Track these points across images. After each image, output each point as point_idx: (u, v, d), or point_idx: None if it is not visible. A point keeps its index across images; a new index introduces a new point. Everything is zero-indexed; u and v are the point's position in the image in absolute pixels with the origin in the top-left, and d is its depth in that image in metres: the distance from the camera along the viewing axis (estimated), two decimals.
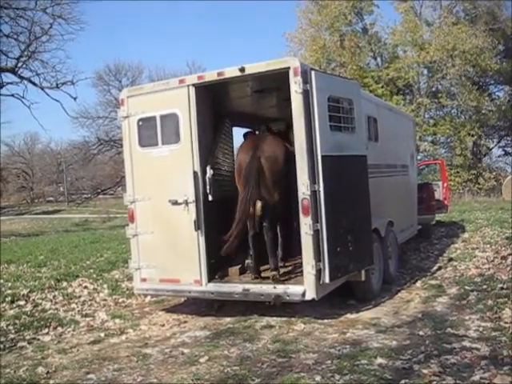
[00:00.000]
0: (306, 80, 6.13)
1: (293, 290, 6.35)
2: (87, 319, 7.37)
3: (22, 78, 26.74)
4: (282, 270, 7.29)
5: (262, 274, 7.12)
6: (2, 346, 6.26)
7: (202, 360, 5.42)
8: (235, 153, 8.02)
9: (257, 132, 9.50)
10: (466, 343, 5.34)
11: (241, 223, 6.59)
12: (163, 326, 6.89)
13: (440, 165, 16.04)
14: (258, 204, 6.85)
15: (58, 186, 67.33)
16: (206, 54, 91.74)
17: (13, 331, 6.86)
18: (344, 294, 7.21)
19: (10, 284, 9.79)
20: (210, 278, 6.89)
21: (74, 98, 27.80)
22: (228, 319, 6.86)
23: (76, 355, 5.89)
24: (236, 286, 6.71)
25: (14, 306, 8.26)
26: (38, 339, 6.61)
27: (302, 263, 6.38)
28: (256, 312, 6.95)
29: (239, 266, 7.39)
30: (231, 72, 6.55)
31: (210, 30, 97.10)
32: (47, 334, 6.82)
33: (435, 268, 9.47)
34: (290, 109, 6.43)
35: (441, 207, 13.77)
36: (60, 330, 6.96)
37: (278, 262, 7.29)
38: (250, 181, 6.64)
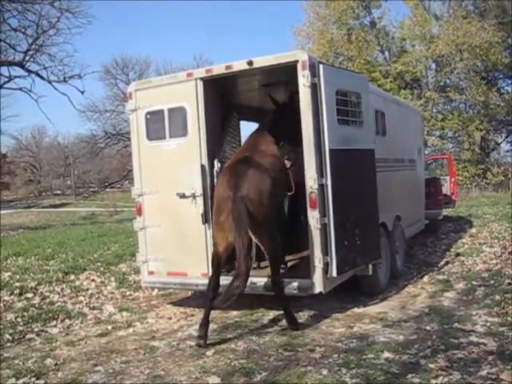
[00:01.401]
0: (314, 73, 6.10)
1: (300, 283, 6.34)
2: (95, 312, 7.41)
3: (29, 71, 26.79)
4: (290, 264, 7.32)
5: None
6: (10, 337, 6.30)
7: (208, 353, 5.44)
8: None
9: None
10: (473, 338, 5.33)
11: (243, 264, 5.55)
12: (170, 319, 6.92)
13: (448, 159, 15.99)
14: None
15: (65, 180, 67.59)
16: (212, 48, 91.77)
17: (21, 323, 6.90)
18: (351, 288, 7.20)
19: (18, 276, 9.84)
20: None
21: (82, 92, 27.85)
22: (235, 313, 6.88)
23: (84, 347, 5.92)
24: None
25: (23, 298, 8.31)
26: (46, 331, 6.65)
27: (309, 257, 6.38)
28: (263, 306, 6.97)
29: None
30: (239, 65, 6.54)
31: (218, 24, 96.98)
32: (55, 326, 6.86)
33: (442, 263, 9.47)
34: (298, 103, 6.41)
35: (448, 202, 13.74)
36: (68, 322, 7.00)
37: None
38: (241, 227, 5.55)
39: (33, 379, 4.97)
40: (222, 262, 6.03)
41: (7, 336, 6.34)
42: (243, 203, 5.65)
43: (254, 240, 5.93)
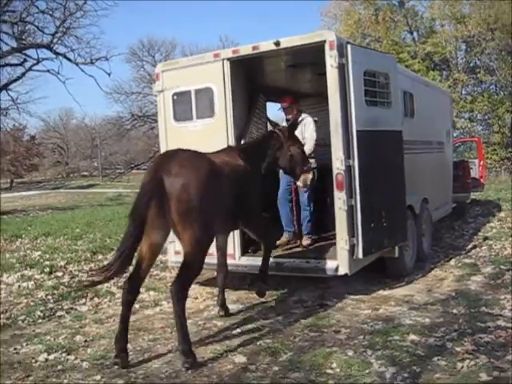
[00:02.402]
0: (341, 54, 6.05)
1: (326, 264, 6.35)
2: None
3: (57, 53, 27.01)
4: (315, 245, 7.34)
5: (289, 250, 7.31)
6: (42, 314, 6.46)
7: (234, 332, 5.50)
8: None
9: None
10: (501, 322, 5.28)
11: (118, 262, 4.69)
12: (196, 298, 6.99)
13: (476, 142, 15.74)
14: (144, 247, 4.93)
15: (92, 161, 68.34)
16: (238, 29, 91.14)
17: (51, 301, 7.06)
18: (376, 270, 7.18)
19: (47, 256, 10.07)
20: (244, 252, 6.95)
21: (108, 74, 27.94)
22: None
23: (112, 325, 6.02)
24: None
25: (52, 276, 8.50)
26: (76, 309, 6.79)
27: (334, 238, 6.38)
28: (288, 286, 7.01)
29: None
30: (266, 46, 6.50)
31: (244, 6, 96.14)
32: (84, 304, 6.99)
33: (470, 247, 9.36)
34: (324, 84, 6.36)
35: (476, 185, 13.55)
36: (96, 300, 7.13)
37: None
38: (140, 210, 4.67)
39: (64, 355, 5.09)
40: (143, 264, 4.96)
41: (38, 313, 6.50)
42: (160, 183, 4.66)
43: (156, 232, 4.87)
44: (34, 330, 5.96)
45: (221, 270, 6.23)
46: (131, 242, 4.68)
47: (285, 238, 7.63)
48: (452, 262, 8.24)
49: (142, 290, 7.30)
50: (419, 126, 8.59)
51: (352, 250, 6.13)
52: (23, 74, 27.19)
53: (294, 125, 6.23)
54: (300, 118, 6.88)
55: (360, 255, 6.14)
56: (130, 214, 4.77)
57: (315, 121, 7.68)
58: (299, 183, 6.23)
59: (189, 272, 4.86)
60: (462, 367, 4.31)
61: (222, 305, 6.17)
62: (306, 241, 7.48)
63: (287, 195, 7.65)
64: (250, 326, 5.68)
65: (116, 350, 4.85)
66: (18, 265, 9.24)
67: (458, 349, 4.68)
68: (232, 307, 6.41)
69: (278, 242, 7.36)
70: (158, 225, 4.81)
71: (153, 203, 4.67)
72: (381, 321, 5.61)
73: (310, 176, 6.14)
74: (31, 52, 26.81)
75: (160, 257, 9.28)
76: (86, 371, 4.58)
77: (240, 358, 4.78)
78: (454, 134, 15.94)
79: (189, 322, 5.74)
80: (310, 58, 7.19)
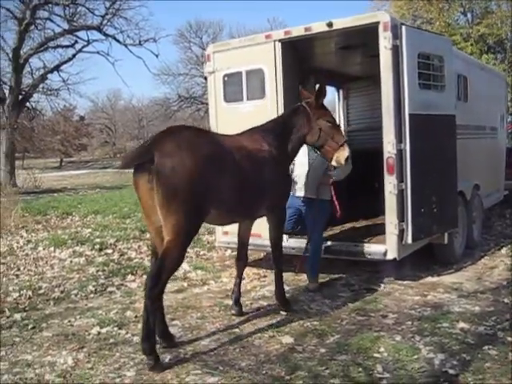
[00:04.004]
0: (395, 35, 5.93)
1: (374, 248, 6.31)
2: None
3: (106, 35, 27.52)
4: (363, 229, 7.30)
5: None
6: (93, 289, 6.67)
7: (281, 314, 5.54)
8: None
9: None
10: None
11: None
12: (244, 279, 7.04)
13: None
14: None
15: (139, 142, 69.04)
16: (286, 10, 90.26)
17: (102, 277, 7.27)
18: (425, 256, 7.09)
19: (97, 233, 10.35)
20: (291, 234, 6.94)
21: (156, 55, 28.57)
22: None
23: None
24: None
25: (103, 253, 8.74)
26: (126, 285, 6.96)
27: (383, 223, 6.32)
28: (335, 270, 7.00)
29: None
30: (318, 27, 6.43)
31: None
32: (134, 281, 7.16)
33: None
34: (375, 66, 6.27)
35: None
36: (145, 277, 7.27)
37: None
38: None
39: (115, 329, 5.25)
40: (159, 252, 4.53)
41: (90, 288, 6.71)
42: (150, 162, 4.25)
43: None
44: (86, 304, 6.16)
45: (240, 258, 5.66)
46: None
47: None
48: (503, 251, 8.06)
49: (189, 268, 7.51)
50: (472, 110, 8.37)
51: (401, 234, 6.06)
52: (74, 56, 27.89)
53: (320, 93, 5.50)
54: None
55: (409, 240, 6.07)
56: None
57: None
58: (333, 162, 5.53)
59: (167, 263, 4.35)
60: None
61: (236, 301, 5.61)
62: (312, 284, 6.42)
63: (291, 225, 6.40)
64: (296, 308, 5.71)
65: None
66: (70, 241, 9.54)
67: (509, 339, 4.60)
68: None
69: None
70: (154, 206, 4.35)
71: (144, 183, 4.33)
72: (429, 307, 5.55)
73: (345, 153, 5.42)
74: (82, 34, 27.50)
75: (207, 236, 9.48)
76: (137, 345, 4.69)
77: (287, 339, 4.82)
78: (508, 119, 15.42)
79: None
80: (361, 39, 7.10)
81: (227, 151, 4.78)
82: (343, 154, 5.42)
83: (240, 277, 5.66)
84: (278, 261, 5.62)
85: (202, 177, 4.41)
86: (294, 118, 5.53)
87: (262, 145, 5.21)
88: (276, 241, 5.60)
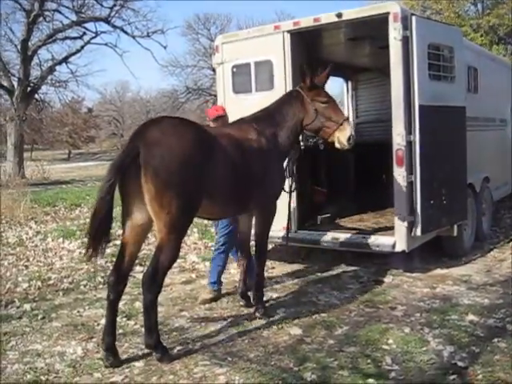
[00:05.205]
0: (406, 26, 5.88)
1: (383, 240, 6.29)
2: (179, 261, 7.60)
3: (114, 26, 27.46)
4: (372, 221, 7.26)
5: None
6: (102, 280, 6.69)
7: (290, 305, 5.55)
8: None
9: None
10: None
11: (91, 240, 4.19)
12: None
13: None
14: None
15: None
16: (294, 3, 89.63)
17: (110, 268, 7.25)
18: (434, 249, 7.06)
19: None
20: (300, 226, 6.94)
21: (164, 47, 28.49)
22: (315, 267, 6.94)
23: (169, 293, 6.19)
24: (325, 235, 6.71)
25: (111, 245, 8.70)
26: (134, 276, 6.93)
27: (391, 215, 6.30)
28: (343, 262, 7.00)
29: (328, 214, 7.40)
30: (328, 18, 6.40)
31: None
32: (142, 272, 7.13)
33: None
34: (384, 58, 6.23)
35: None
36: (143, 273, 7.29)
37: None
38: (106, 182, 4.08)
39: (124, 319, 5.29)
40: (128, 251, 4.44)
41: (99, 279, 6.74)
42: (135, 150, 4.08)
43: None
44: (95, 295, 6.20)
45: (244, 255, 5.59)
46: (98, 223, 4.09)
47: (210, 293, 5.95)
48: None
49: (198, 259, 7.51)
50: (483, 102, 8.31)
51: (410, 226, 6.03)
52: (82, 47, 27.85)
53: (306, 73, 5.18)
54: None
55: (418, 232, 6.05)
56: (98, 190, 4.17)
57: None
58: (336, 144, 5.17)
59: (164, 258, 4.23)
60: None
61: (244, 294, 5.55)
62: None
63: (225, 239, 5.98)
64: (304, 300, 5.71)
65: (104, 344, 4.35)
66: (79, 232, 9.56)
67: None
68: (287, 280, 6.47)
69: (201, 298, 5.89)
70: (139, 202, 4.19)
71: (129, 178, 4.11)
72: (438, 299, 5.54)
73: (346, 132, 5.08)
74: (90, 25, 27.42)
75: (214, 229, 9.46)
76: None
77: (296, 330, 4.82)
78: None
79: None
80: (370, 31, 7.04)
81: (214, 137, 4.60)
82: (344, 133, 5.07)
83: (245, 271, 5.57)
84: (263, 258, 5.40)
85: (193, 164, 4.21)
86: (288, 104, 5.27)
87: (251, 134, 4.99)
88: (264, 236, 5.33)
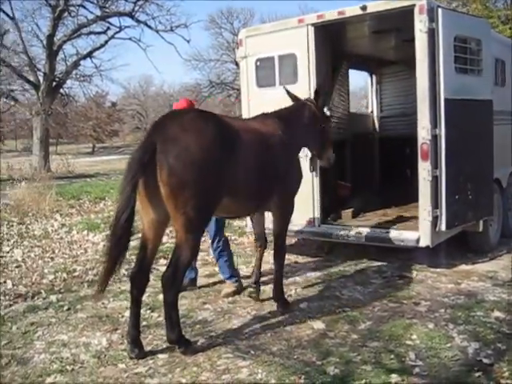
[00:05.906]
0: (432, 18, 5.79)
1: (407, 235, 6.22)
2: (201, 254, 7.69)
3: (138, 21, 27.60)
4: (396, 216, 7.20)
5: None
6: (126, 272, 6.74)
7: (313, 299, 5.54)
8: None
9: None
10: None
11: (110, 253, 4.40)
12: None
13: None
14: None
15: None
16: None
17: (135, 261, 7.32)
18: (459, 244, 6.98)
19: None
20: (323, 220, 6.92)
21: (188, 41, 28.66)
22: (338, 262, 6.92)
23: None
24: (349, 229, 6.68)
25: (134, 238, 8.79)
26: (157, 269, 7.00)
27: (416, 210, 6.24)
28: (366, 256, 6.96)
29: (352, 209, 7.36)
30: (352, 11, 6.34)
31: None
32: (165, 265, 7.19)
33: None
34: (409, 50, 6.15)
35: None
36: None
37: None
38: (128, 181, 4.00)
39: (148, 312, 5.34)
40: (148, 246, 4.57)
41: (123, 271, 6.76)
42: (151, 147, 3.99)
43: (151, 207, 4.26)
44: (119, 287, 6.26)
45: (260, 244, 5.58)
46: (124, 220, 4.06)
47: (232, 287, 5.99)
48: None
49: None
50: (510, 95, 8.16)
51: (435, 221, 5.96)
52: (106, 42, 28.07)
53: (319, 95, 5.61)
54: None
55: (443, 227, 5.98)
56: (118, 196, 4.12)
57: None
58: (323, 163, 5.89)
59: (182, 257, 4.22)
60: None
61: (256, 282, 5.57)
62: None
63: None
64: (327, 294, 5.70)
65: (129, 337, 4.38)
66: (103, 225, 9.67)
67: None
68: (310, 274, 6.46)
69: (224, 291, 5.92)
70: (156, 198, 4.12)
71: (146, 173, 4.01)
72: (463, 295, 5.47)
73: (331, 154, 5.76)
74: (114, 20, 27.61)
75: (238, 222, 9.50)
76: None
77: (319, 325, 4.81)
78: None
79: (268, 286, 5.83)
80: (395, 23, 6.98)
81: (237, 132, 4.52)
82: (332, 155, 5.76)
83: (260, 261, 5.60)
84: (281, 255, 5.41)
85: (212, 162, 4.11)
86: (304, 111, 5.50)
87: (276, 129, 5.04)
88: (282, 234, 5.37)
